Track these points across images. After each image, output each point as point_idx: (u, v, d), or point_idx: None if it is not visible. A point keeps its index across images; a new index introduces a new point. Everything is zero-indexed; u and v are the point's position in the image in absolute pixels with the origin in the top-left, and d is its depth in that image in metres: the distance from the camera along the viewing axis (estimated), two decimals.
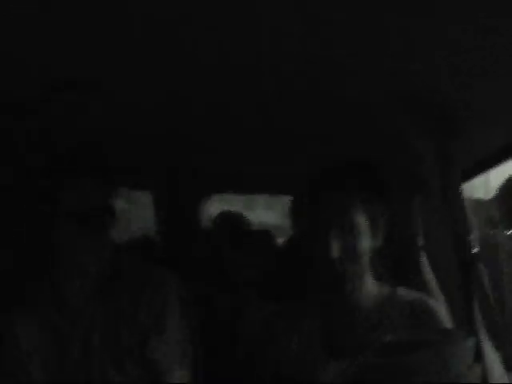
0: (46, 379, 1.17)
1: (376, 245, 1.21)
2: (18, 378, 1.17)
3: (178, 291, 1.24)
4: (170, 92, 1.04)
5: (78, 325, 1.18)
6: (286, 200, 1.63)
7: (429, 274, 1.46)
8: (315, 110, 1.11)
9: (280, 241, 2.40)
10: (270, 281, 1.49)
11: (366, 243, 1.18)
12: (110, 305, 1.19)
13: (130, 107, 1.12)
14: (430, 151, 1.00)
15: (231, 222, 2.19)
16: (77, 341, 1.18)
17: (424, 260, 1.48)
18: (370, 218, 1.20)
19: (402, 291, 1.25)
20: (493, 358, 0.77)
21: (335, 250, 1.14)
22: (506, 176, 2.02)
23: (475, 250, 0.86)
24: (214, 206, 2.51)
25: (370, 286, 1.25)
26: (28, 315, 1.19)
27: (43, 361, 1.18)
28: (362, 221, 1.17)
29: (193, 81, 1.00)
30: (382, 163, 1.41)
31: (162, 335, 1.19)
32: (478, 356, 0.75)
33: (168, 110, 1.16)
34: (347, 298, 1.23)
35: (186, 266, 1.58)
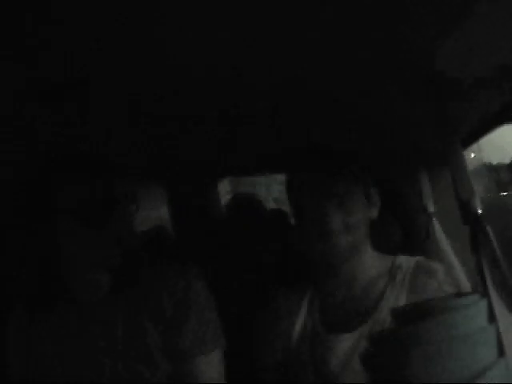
0: (63, 378, 1.16)
1: (371, 216, 1.23)
2: (31, 377, 1.17)
3: (198, 282, 1.22)
4: (166, 85, 1.03)
5: (99, 320, 1.17)
6: None
7: (442, 240, 1.46)
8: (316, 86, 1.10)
9: None
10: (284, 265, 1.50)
11: (360, 215, 1.19)
12: (128, 300, 1.18)
13: (128, 101, 1.11)
14: (427, 117, 0.99)
15: (244, 205, 2.15)
16: (99, 336, 1.17)
17: (437, 226, 1.48)
18: (360, 190, 1.21)
19: (402, 258, 1.26)
20: (506, 319, 0.75)
21: (333, 222, 1.16)
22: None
23: (480, 212, 0.86)
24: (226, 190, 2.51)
25: (369, 258, 1.25)
26: (40, 313, 1.19)
27: (63, 357, 1.17)
28: (353, 192, 1.20)
29: (188, 77, 1.00)
30: (387, 137, 1.40)
31: (187, 326, 1.17)
32: (491, 317, 0.74)
33: (164, 102, 1.15)
34: (346, 272, 1.24)
35: (199, 257, 1.58)
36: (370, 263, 1.24)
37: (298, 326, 1.25)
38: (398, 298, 1.18)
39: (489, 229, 0.83)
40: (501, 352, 0.72)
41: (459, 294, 0.84)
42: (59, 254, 1.15)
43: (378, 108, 1.20)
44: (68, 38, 0.81)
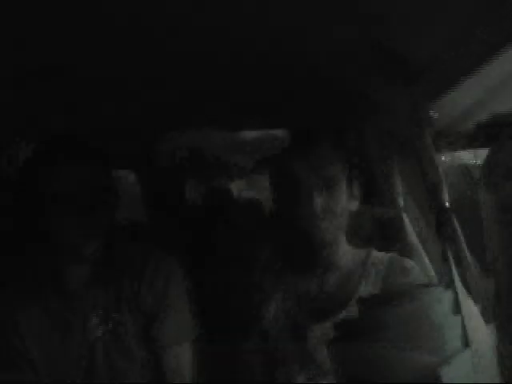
0: (47, 366, 1.18)
1: (352, 208, 1.25)
2: (18, 364, 1.18)
3: (178, 271, 1.25)
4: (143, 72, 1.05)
5: (79, 311, 1.19)
6: None
7: (411, 234, 1.47)
8: (283, 74, 1.12)
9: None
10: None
11: (343, 204, 1.21)
12: (110, 290, 1.20)
13: (106, 87, 1.12)
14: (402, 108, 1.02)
15: (220, 197, 2.20)
16: (78, 327, 1.19)
17: (406, 220, 1.50)
18: (345, 180, 1.23)
19: (376, 253, 1.28)
20: (470, 310, 0.78)
21: (317, 204, 1.17)
22: None
23: (447, 205, 0.88)
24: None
25: (344, 250, 1.27)
26: (28, 302, 1.20)
27: (44, 347, 1.19)
28: (340, 178, 1.21)
29: (164, 64, 1.01)
30: (360, 125, 1.42)
31: (167, 316, 1.21)
32: (457, 308, 0.75)
33: (143, 90, 1.16)
34: (322, 262, 1.25)
35: (175, 247, 1.60)
36: (345, 256, 1.26)
37: (271, 311, 1.26)
38: (373, 290, 1.19)
39: (455, 219, 0.86)
40: (466, 343, 0.73)
41: (425, 285, 0.86)
42: (50, 241, 1.17)
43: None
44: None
